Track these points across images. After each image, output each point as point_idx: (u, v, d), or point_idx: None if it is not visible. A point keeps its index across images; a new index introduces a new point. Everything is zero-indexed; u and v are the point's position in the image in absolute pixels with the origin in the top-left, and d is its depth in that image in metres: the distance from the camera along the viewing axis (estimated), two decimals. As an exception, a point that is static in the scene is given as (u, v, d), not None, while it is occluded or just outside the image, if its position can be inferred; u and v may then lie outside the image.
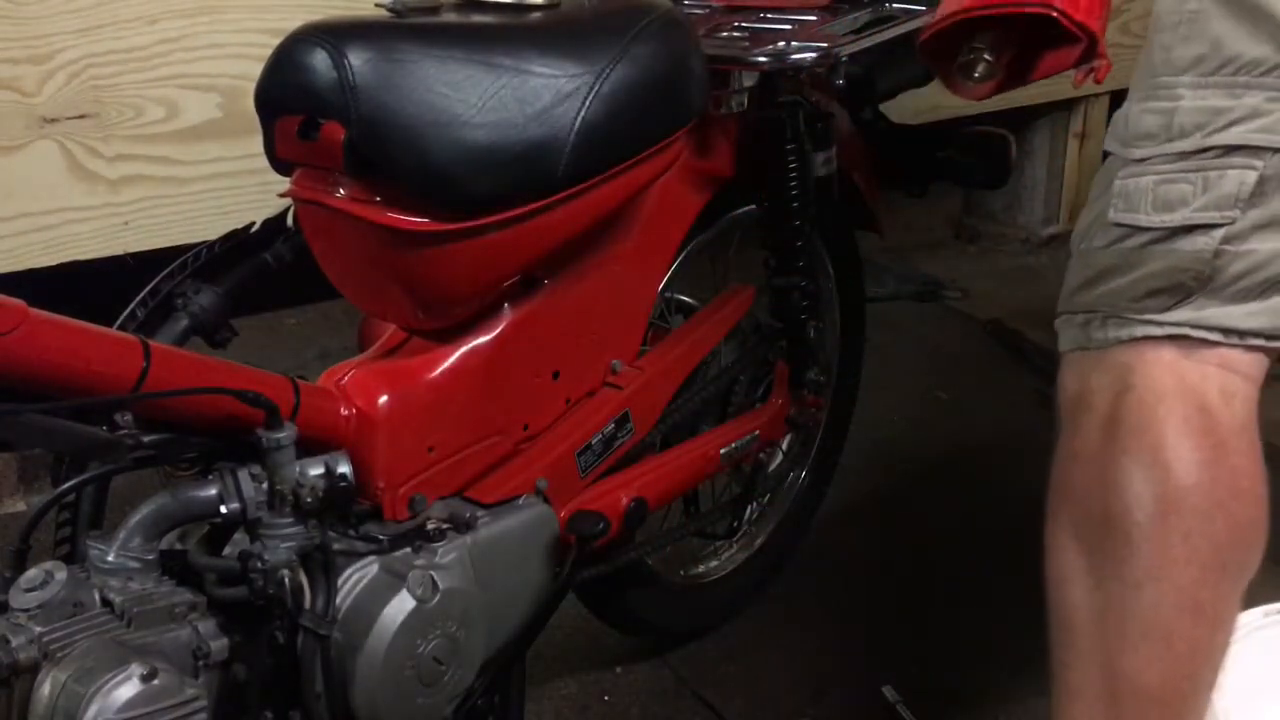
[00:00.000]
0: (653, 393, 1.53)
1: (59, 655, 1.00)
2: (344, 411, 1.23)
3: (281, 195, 1.28)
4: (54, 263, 2.04)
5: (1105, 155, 1.10)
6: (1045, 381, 2.23)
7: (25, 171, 1.99)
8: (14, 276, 1.99)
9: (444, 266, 1.25)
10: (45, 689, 0.98)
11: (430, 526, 1.25)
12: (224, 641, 1.08)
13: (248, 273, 1.35)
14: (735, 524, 1.80)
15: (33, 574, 1.04)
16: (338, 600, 1.17)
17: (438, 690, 1.24)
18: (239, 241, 1.37)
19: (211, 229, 1.42)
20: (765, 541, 1.89)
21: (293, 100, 1.20)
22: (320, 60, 1.17)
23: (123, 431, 1.09)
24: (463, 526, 1.28)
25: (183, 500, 1.11)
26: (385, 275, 1.26)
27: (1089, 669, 1.06)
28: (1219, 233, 1.00)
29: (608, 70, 1.28)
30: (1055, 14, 1.15)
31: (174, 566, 1.12)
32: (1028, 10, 1.15)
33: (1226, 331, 1.03)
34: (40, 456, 2.09)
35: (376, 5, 1.30)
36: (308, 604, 1.13)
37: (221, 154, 2.10)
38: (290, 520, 1.12)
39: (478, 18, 1.32)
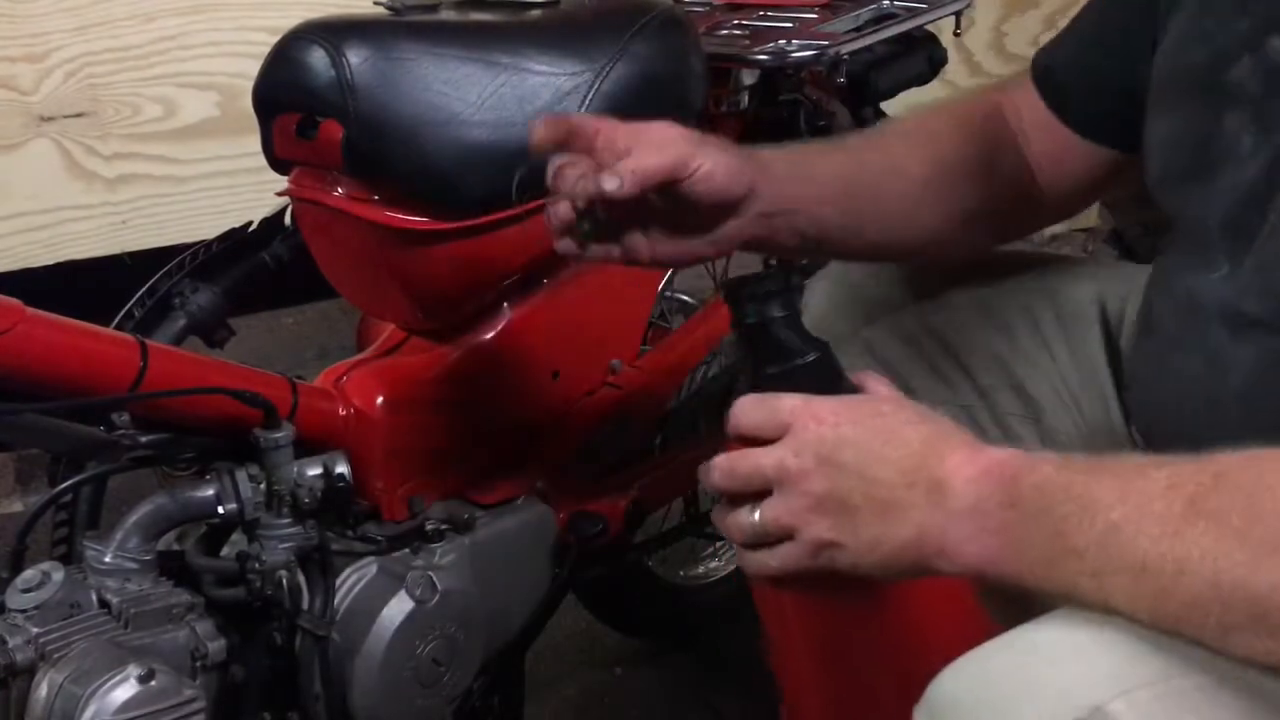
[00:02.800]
0: (653, 393, 1.52)
1: (56, 656, 0.99)
2: (342, 411, 1.23)
3: (280, 194, 1.28)
4: (51, 262, 2.04)
5: None
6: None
7: (22, 170, 1.99)
8: (11, 276, 1.99)
9: (443, 266, 1.25)
10: (42, 690, 0.98)
11: (429, 527, 1.25)
12: (222, 642, 1.08)
13: (246, 272, 1.35)
14: (735, 524, 1.79)
15: (30, 574, 1.04)
16: (336, 601, 1.16)
17: (436, 691, 1.24)
18: (237, 240, 1.36)
19: (209, 228, 1.41)
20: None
21: (291, 98, 1.19)
22: (318, 58, 1.16)
23: (120, 431, 1.09)
24: (462, 527, 1.27)
25: (180, 501, 1.11)
26: (384, 275, 1.26)
27: None
28: None
29: (607, 68, 1.28)
30: None
31: (171, 567, 1.11)
32: None
33: None
34: (37, 457, 2.08)
35: (375, 3, 1.30)
36: (306, 605, 1.13)
37: (219, 153, 2.10)
38: (288, 521, 1.12)
39: (477, 15, 1.31)
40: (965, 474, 0.75)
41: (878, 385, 0.87)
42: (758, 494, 0.81)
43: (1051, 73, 1.10)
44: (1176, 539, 0.66)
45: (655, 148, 0.96)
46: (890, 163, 1.08)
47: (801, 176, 1.04)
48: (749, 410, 0.83)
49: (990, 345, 1.15)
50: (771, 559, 0.81)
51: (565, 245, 1.01)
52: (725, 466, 0.83)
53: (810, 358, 0.88)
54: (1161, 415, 0.94)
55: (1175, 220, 0.95)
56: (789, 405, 0.81)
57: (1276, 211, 0.80)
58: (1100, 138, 1.08)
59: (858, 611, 0.86)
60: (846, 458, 0.78)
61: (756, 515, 0.81)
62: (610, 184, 0.92)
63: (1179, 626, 0.67)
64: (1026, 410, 1.13)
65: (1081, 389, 1.11)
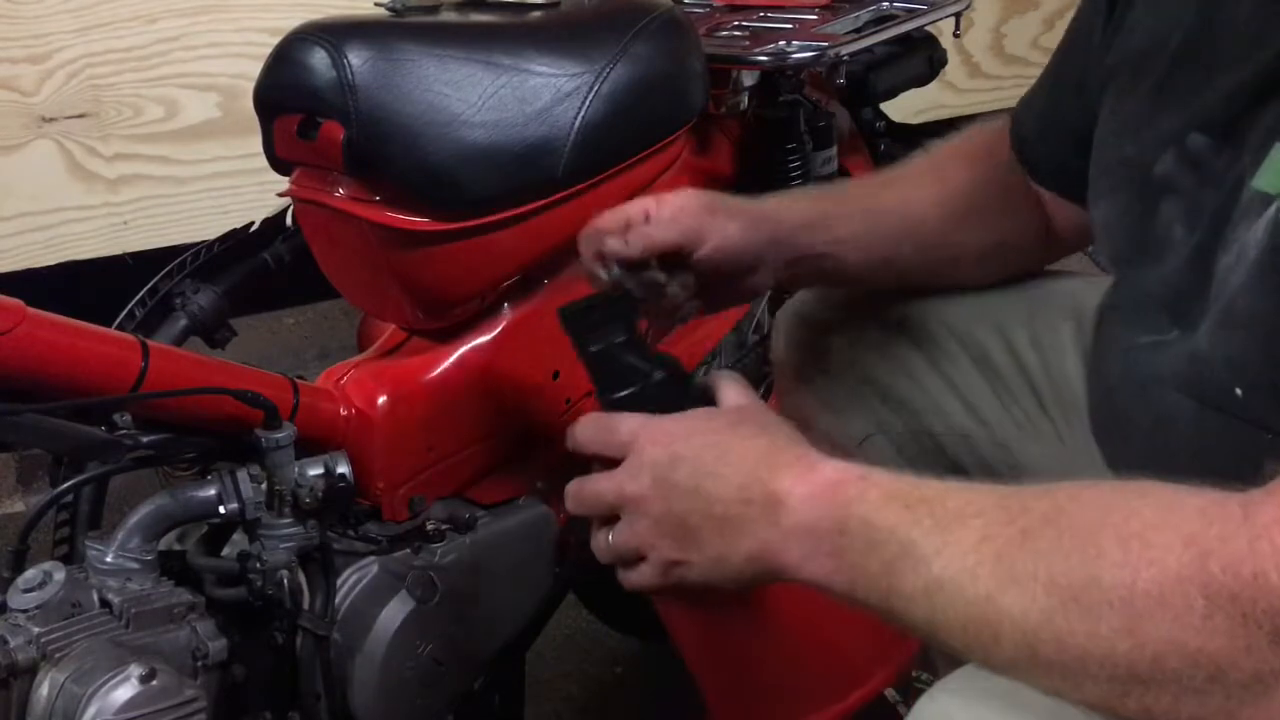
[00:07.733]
0: (653, 393, 1.52)
1: (57, 656, 0.99)
2: (343, 411, 1.23)
3: (280, 195, 1.28)
4: (53, 262, 2.05)
5: None
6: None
7: (24, 171, 1.99)
8: (13, 276, 2.00)
9: (444, 266, 1.25)
10: (44, 690, 0.98)
11: (429, 527, 1.25)
12: (223, 642, 1.08)
13: (246, 272, 1.35)
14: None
15: (31, 574, 1.04)
16: (337, 601, 1.16)
17: (437, 691, 1.24)
18: (238, 241, 1.36)
19: (210, 228, 1.42)
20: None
21: (292, 99, 1.20)
22: (319, 59, 1.17)
23: (121, 432, 1.09)
24: (462, 527, 1.27)
25: (181, 500, 1.11)
26: (385, 275, 1.26)
27: None
28: None
29: (608, 69, 1.28)
30: None
31: (173, 567, 1.12)
32: None
33: None
34: (39, 457, 2.08)
35: (376, 4, 1.30)
36: (307, 605, 1.13)
37: (220, 153, 2.10)
38: (289, 521, 1.12)
39: (477, 16, 1.32)
40: (800, 492, 0.76)
41: (729, 391, 0.87)
42: (612, 517, 0.83)
43: (1021, 129, 1.11)
44: (989, 604, 0.67)
45: (668, 221, 1.01)
46: (903, 207, 1.11)
47: (820, 226, 1.08)
48: (586, 430, 0.84)
49: (961, 373, 1.15)
50: (633, 576, 0.84)
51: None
52: (574, 493, 0.85)
53: (655, 377, 0.88)
54: (1117, 457, 0.95)
55: (1120, 286, 0.97)
56: (625, 427, 0.82)
57: (1216, 288, 0.81)
58: (1068, 194, 1.08)
59: (730, 616, 0.88)
60: (681, 477, 0.79)
61: (610, 538, 0.83)
62: (614, 243, 0.99)
63: (1010, 678, 0.69)
64: (993, 439, 1.14)
65: (1058, 409, 1.11)
